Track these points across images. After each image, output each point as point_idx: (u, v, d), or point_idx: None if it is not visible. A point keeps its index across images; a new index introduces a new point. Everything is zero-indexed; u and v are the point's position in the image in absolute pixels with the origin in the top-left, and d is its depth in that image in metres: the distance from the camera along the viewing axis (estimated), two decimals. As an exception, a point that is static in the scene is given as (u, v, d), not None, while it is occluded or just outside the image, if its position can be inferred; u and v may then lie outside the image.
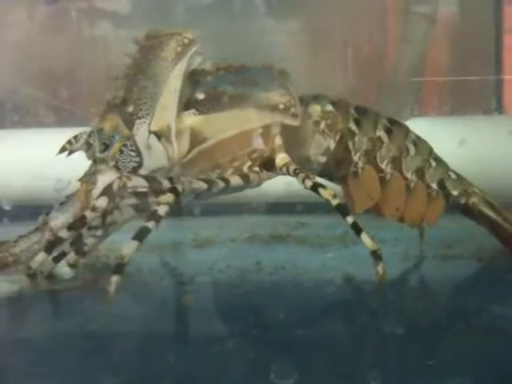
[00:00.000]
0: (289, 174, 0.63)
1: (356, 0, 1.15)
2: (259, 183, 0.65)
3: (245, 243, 0.78)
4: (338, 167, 0.68)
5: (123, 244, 0.54)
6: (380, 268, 0.57)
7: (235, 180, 0.62)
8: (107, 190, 0.58)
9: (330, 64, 1.14)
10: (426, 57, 1.15)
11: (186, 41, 0.61)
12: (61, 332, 0.53)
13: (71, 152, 0.63)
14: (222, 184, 0.61)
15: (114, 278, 0.53)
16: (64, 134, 0.64)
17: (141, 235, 0.55)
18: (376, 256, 0.58)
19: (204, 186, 0.60)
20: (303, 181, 0.60)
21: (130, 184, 0.58)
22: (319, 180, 0.62)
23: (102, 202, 0.57)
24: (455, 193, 0.69)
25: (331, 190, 0.59)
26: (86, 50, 1.19)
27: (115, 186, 0.57)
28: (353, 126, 0.67)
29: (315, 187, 0.60)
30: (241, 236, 0.81)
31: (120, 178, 0.58)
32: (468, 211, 0.69)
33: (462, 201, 0.69)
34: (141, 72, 0.61)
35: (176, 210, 0.78)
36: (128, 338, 0.50)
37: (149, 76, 0.60)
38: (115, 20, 1.23)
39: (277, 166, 0.63)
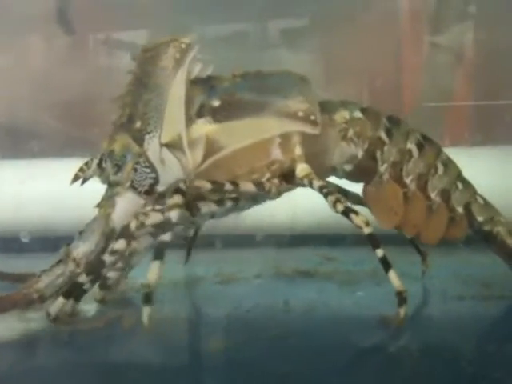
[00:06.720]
0: (311, 187, 0.59)
1: (371, 30, 1.14)
2: (278, 195, 0.62)
3: (271, 280, 0.75)
4: (360, 175, 0.65)
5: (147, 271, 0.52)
6: (402, 311, 0.55)
7: (246, 186, 0.58)
8: (125, 231, 0.54)
9: (346, 94, 1.12)
10: (452, 87, 1.14)
11: (184, 46, 0.59)
12: (81, 371, 0.50)
13: (85, 179, 0.61)
14: (229, 186, 0.57)
15: (145, 309, 0.51)
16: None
17: (160, 252, 0.52)
18: (401, 298, 0.55)
19: (208, 185, 0.56)
20: (334, 204, 0.57)
21: (147, 222, 0.55)
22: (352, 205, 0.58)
23: (121, 246, 0.54)
24: (480, 219, 0.65)
25: (364, 217, 0.56)
26: (104, 80, 1.18)
27: (133, 226, 0.54)
28: (383, 136, 0.64)
29: (346, 212, 0.56)
30: (266, 272, 0.77)
31: (137, 217, 0.55)
32: (490, 239, 0.66)
33: (487, 228, 0.65)
34: (143, 86, 0.59)
35: (197, 243, 0.75)
36: (151, 379, 0.48)
37: (151, 88, 0.58)
38: (133, 50, 1.22)
39: (297, 177, 0.60)
